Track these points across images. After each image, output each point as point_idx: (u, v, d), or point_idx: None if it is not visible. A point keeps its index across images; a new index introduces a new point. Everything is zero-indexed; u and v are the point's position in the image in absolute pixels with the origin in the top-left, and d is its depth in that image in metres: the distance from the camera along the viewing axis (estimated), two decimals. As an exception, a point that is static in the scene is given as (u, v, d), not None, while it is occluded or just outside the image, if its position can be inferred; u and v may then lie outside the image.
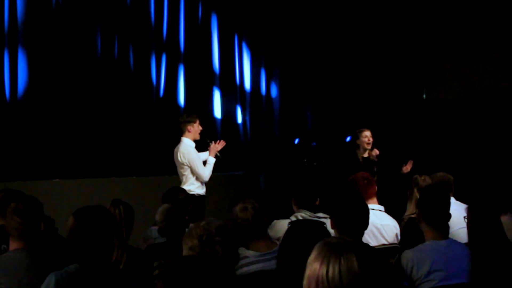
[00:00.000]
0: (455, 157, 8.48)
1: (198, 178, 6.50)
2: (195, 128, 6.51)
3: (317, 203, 4.84)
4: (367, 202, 3.89)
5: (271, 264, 3.44)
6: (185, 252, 2.86)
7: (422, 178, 5.08)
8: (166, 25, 9.03)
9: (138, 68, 8.76)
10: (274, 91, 9.87)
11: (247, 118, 9.63)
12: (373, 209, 4.47)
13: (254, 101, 9.68)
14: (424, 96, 9.36)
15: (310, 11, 9.54)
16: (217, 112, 9.39)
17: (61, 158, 7.99)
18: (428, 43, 9.19)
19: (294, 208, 4.88)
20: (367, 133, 7.12)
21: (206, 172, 6.49)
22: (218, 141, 6.75)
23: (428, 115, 9.13)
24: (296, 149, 9.54)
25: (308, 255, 2.06)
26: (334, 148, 9.02)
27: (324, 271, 1.99)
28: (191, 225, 3.75)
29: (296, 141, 9.67)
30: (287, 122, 9.81)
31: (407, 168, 7.06)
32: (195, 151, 6.55)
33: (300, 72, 9.68)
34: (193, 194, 6.37)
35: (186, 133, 6.53)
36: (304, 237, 2.86)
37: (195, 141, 6.59)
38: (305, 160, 9.31)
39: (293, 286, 2.27)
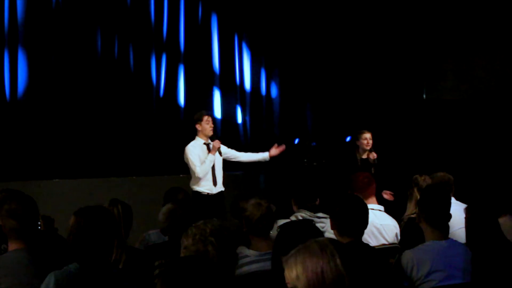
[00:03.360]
0: (455, 157, 8.47)
1: (193, 175, 6.55)
2: (203, 126, 6.58)
3: (317, 203, 4.84)
4: (366, 202, 3.88)
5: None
6: (181, 251, 2.86)
7: (422, 178, 5.07)
8: (166, 25, 9.03)
9: (138, 68, 8.76)
10: (274, 91, 9.86)
11: (247, 118, 9.62)
12: (373, 209, 4.47)
13: (254, 101, 9.67)
14: (424, 96, 9.35)
15: (310, 11, 9.53)
16: (217, 112, 9.38)
17: (61, 158, 8.00)
18: (428, 43, 9.17)
19: (294, 208, 4.88)
20: (367, 135, 7.05)
21: (197, 168, 6.48)
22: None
23: (428, 115, 9.12)
24: (296, 149, 9.53)
25: None
26: (334, 148, 9.01)
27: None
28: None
29: (296, 141, 9.66)
30: (287, 122, 9.79)
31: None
32: (193, 148, 6.56)
33: (300, 72, 9.67)
34: (194, 191, 6.52)
35: (198, 132, 6.63)
36: (294, 237, 2.86)
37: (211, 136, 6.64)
38: (305, 160, 9.31)
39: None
